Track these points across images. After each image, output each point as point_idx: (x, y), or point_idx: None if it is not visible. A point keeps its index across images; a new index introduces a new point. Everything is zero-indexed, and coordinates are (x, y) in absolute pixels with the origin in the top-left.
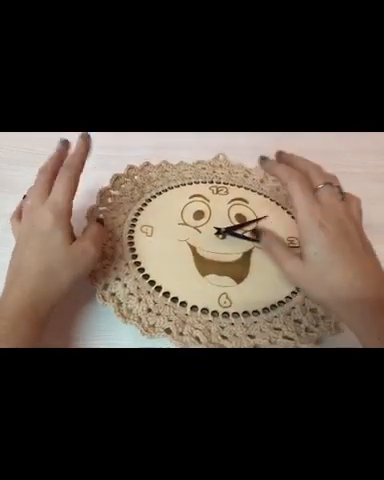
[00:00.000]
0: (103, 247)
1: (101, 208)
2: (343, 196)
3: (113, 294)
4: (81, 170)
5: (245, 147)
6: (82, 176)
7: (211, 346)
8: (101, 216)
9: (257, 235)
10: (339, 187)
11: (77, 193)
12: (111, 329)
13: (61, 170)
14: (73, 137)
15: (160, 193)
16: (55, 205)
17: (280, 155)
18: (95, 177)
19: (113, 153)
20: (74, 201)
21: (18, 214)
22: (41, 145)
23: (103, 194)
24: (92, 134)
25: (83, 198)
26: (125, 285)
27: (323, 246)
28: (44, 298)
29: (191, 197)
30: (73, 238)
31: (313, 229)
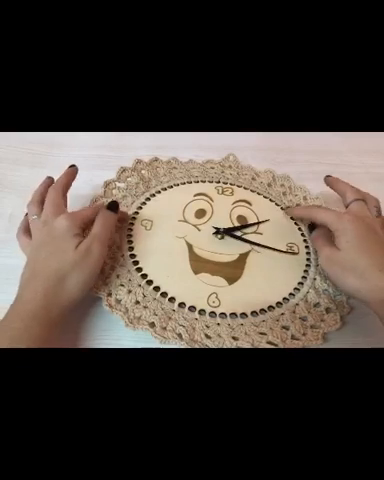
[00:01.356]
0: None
1: (105, 199)
2: (378, 214)
3: (105, 284)
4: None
5: (245, 147)
6: (83, 175)
7: (193, 344)
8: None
9: (311, 227)
10: (376, 207)
11: (77, 193)
12: (112, 329)
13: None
14: (73, 137)
15: (165, 189)
16: (70, 214)
17: (327, 178)
18: (95, 177)
19: (113, 153)
20: (74, 200)
21: (24, 230)
22: (41, 145)
23: (108, 186)
24: (92, 134)
25: (83, 198)
26: (118, 276)
27: (353, 235)
28: (56, 301)
29: (195, 195)
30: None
31: (343, 222)
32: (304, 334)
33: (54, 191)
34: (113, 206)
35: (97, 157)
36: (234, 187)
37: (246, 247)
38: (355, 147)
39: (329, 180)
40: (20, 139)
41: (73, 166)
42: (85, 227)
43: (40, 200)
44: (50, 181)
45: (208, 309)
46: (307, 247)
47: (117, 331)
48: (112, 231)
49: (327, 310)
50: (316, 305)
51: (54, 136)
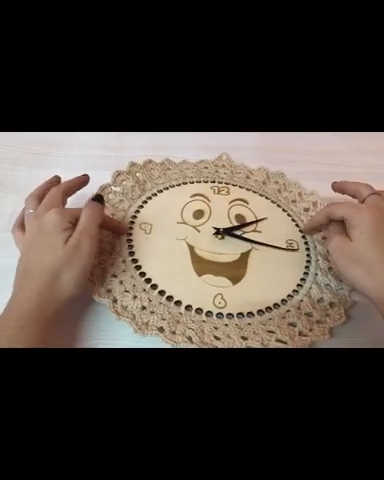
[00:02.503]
0: (101, 243)
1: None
2: None
3: (109, 291)
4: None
5: (245, 147)
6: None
7: (203, 346)
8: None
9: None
10: None
11: (78, 193)
12: (110, 329)
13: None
14: (73, 137)
15: (161, 191)
16: (61, 209)
17: (334, 184)
18: (95, 177)
19: (113, 153)
20: (73, 200)
21: (19, 225)
22: (41, 145)
23: (104, 190)
24: (92, 134)
25: (82, 198)
26: (121, 282)
27: (368, 227)
28: (51, 299)
29: (192, 196)
30: None
31: (360, 212)
32: (311, 330)
33: (55, 189)
34: (99, 198)
35: (97, 157)
36: (229, 186)
37: (247, 246)
38: (355, 147)
39: (337, 185)
40: (20, 139)
41: (86, 175)
42: (75, 223)
43: (39, 195)
44: (56, 179)
45: (215, 310)
46: (306, 243)
47: (115, 331)
48: (99, 223)
49: (331, 305)
50: (320, 300)
51: (54, 136)
